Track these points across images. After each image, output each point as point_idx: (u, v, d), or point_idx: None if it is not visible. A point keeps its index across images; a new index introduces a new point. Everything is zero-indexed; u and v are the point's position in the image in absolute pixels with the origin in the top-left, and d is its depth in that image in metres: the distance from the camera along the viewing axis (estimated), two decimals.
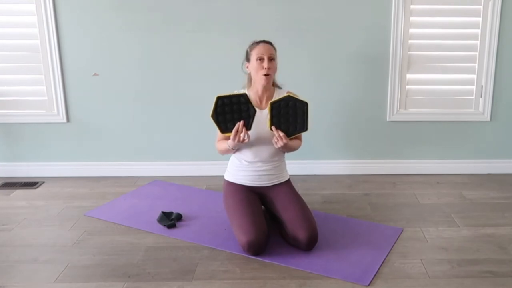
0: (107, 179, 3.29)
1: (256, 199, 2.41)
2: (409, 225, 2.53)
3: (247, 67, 2.41)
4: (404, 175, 3.31)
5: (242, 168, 2.42)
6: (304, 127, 2.28)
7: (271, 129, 2.25)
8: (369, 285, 1.98)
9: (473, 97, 3.21)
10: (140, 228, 2.52)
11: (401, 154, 3.33)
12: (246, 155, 2.39)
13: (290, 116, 2.25)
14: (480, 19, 3.07)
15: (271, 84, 2.42)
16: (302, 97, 2.29)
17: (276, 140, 2.26)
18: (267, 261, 2.16)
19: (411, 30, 3.09)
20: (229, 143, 2.29)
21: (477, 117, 3.24)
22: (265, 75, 2.31)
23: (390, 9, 3.06)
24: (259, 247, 2.18)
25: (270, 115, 2.23)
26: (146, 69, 3.18)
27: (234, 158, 2.45)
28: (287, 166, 2.54)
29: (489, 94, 3.18)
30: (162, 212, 2.62)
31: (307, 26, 3.08)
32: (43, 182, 3.25)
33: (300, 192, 2.53)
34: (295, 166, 3.13)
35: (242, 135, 2.23)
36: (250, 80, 2.43)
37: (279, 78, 2.50)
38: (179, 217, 2.61)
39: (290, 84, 2.60)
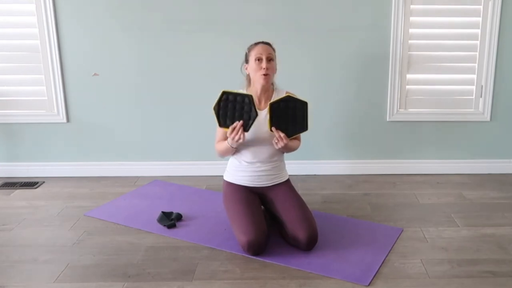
0: (107, 179, 3.29)
1: (256, 199, 2.41)
2: (409, 225, 2.53)
3: (246, 69, 2.41)
4: (404, 175, 3.31)
5: (241, 168, 2.42)
6: (304, 127, 2.28)
7: (271, 130, 2.24)
8: (369, 285, 1.98)
9: (473, 97, 3.21)
10: (140, 228, 2.52)
11: (401, 154, 3.33)
12: (245, 155, 2.39)
13: (290, 117, 2.25)
14: (480, 19, 3.07)
15: (270, 84, 2.41)
16: (301, 97, 2.28)
17: (276, 141, 2.25)
18: (267, 261, 2.16)
19: (411, 30, 3.09)
20: (229, 140, 2.29)
21: (477, 117, 3.24)
22: (264, 75, 2.31)
23: (390, 9, 3.06)
24: (259, 247, 2.18)
25: (270, 116, 2.23)
26: (146, 69, 3.18)
27: (233, 158, 2.44)
28: (287, 166, 2.54)
29: (489, 94, 3.18)
30: (162, 212, 2.62)
31: (307, 26, 3.08)
32: (43, 182, 3.25)
33: (300, 192, 2.53)
34: (295, 166, 3.13)
35: (238, 135, 2.22)
36: (249, 81, 2.43)
37: (278, 78, 2.49)
38: (179, 217, 2.61)
39: (290, 84, 2.60)
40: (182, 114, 3.26)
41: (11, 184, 3.19)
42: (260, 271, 2.09)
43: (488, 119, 3.24)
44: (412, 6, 3.05)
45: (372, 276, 2.03)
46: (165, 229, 2.49)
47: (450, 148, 3.31)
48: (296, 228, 2.21)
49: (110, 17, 3.08)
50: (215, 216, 2.64)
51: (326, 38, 3.11)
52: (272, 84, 2.45)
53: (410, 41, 3.11)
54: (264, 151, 2.37)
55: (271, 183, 2.43)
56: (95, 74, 3.19)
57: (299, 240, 2.21)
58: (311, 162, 3.32)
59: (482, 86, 3.18)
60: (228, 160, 2.51)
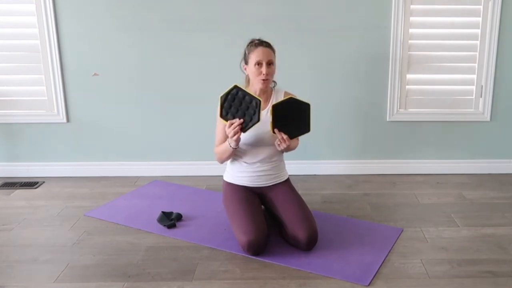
0: (107, 179, 3.29)
1: (256, 199, 2.41)
2: (409, 225, 2.53)
3: (245, 69, 2.40)
4: (404, 175, 3.31)
5: (241, 169, 2.41)
6: (307, 129, 2.27)
7: (273, 132, 2.22)
8: (369, 285, 1.98)
9: (473, 97, 3.21)
10: (140, 228, 2.52)
11: (401, 154, 3.33)
12: (245, 156, 2.39)
13: (293, 118, 2.24)
14: (480, 19, 3.07)
15: (269, 86, 2.41)
16: (302, 98, 2.28)
17: (279, 143, 2.25)
18: (267, 261, 2.16)
19: (411, 30, 3.09)
20: (229, 140, 2.27)
21: (477, 117, 3.24)
22: (263, 80, 2.30)
23: (390, 9, 3.06)
24: (259, 247, 2.18)
25: (273, 118, 2.22)
26: (146, 69, 3.18)
27: (233, 159, 2.44)
28: (287, 166, 2.54)
29: (489, 94, 3.18)
30: (162, 212, 2.62)
31: (307, 26, 3.08)
32: (43, 182, 3.25)
33: (300, 192, 2.52)
34: (295, 166, 3.13)
35: (233, 131, 2.18)
36: (248, 80, 2.43)
37: (278, 78, 2.49)
38: (179, 217, 2.61)
39: (290, 84, 2.60)
40: (182, 114, 3.26)
41: (11, 184, 3.19)
42: (260, 271, 2.09)
43: (488, 119, 3.24)
44: (412, 6, 3.05)
45: (372, 276, 2.03)
46: (165, 229, 2.49)
47: (450, 148, 3.31)
48: (296, 228, 2.21)
49: (110, 17, 3.08)
50: (215, 216, 2.64)
51: (326, 38, 3.11)
52: (273, 81, 2.44)
53: (410, 41, 3.11)
54: (264, 152, 2.37)
55: (271, 183, 2.43)
56: (95, 74, 3.19)
57: (299, 240, 2.21)
58: (311, 162, 3.32)
59: (482, 86, 3.18)
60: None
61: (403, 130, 3.28)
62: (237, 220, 2.25)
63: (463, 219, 2.60)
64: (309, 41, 3.12)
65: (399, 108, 3.23)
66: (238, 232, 2.22)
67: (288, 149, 2.31)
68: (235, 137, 2.20)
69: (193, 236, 2.42)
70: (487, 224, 2.54)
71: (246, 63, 2.37)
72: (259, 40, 2.36)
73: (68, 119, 3.26)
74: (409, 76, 3.18)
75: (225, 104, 2.22)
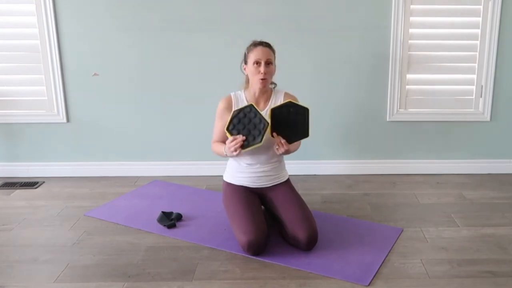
0: (107, 179, 3.29)
1: (256, 199, 2.41)
2: (409, 225, 2.53)
3: (245, 69, 2.40)
4: (404, 175, 3.31)
5: (241, 170, 2.42)
6: (305, 134, 2.27)
7: (272, 136, 2.24)
8: (369, 285, 1.98)
9: (473, 97, 3.21)
10: (140, 228, 2.52)
11: (401, 154, 3.33)
12: (244, 157, 2.39)
13: (291, 122, 2.25)
14: (480, 19, 3.07)
15: (268, 86, 2.41)
16: (302, 103, 2.28)
17: (277, 147, 2.25)
18: (267, 261, 2.16)
19: (411, 30, 3.09)
20: (226, 149, 2.27)
21: (477, 117, 3.24)
22: (262, 79, 2.30)
23: (390, 9, 3.06)
24: (259, 247, 2.18)
25: (272, 122, 2.23)
26: (146, 69, 3.18)
27: (233, 160, 2.44)
28: (287, 166, 2.54)
29: (489, 94, 3.18)
30: (162, 212, 2.62)
31: (307, 26, 3.08)
32: (43, 182, 3.25)
33: (300, 192, 2.53)
34: (295, 166, 3.13)
35: (234, 147, 2.18)
36: (247, 81, 2.43)
37: (278, 78, 2.49)
38: (179, 217, 2.61)
39: (290, 84, 2.60)
40: (182, 114, 3.26)
41: (11, 184, 3.19)
42: (260, 271, 2.09)
43: (488, 119, 3.24)
44: (412, 6, 3.05)
45: (372, 276, 2.03)
46: (165, 229, 2.49)
47: (450, 148, 3.31)
48: (296, 228, 2.21)
49: (110, 17, 3.08)
50: (215, 216, 2.64)
51: (326, 38, 3.11)
52: (272, 83, 2.45)
53: (410, 41, 3.11)
54: (263, 153, 2.37)
55: (271, 183, 2.43)
56: (95, 74, 3.19)
57: (299, 240, 2.21)
58: (311, 162, 3.32)
59: (482, 86, 3.18)
60: (227, 160, 2.51)
61: (403, 130, 3.28)
62: (237, 220, 2.26)
63: (463, 219, 2.60)
64: (309, 41, 3.12)
65: (399, 108, 3.23)
66: (238, 232, 2.22)
67: (287, 152, 2.30)
68: (234, 153, 2.21)
69: (193, 236, 2.42)
70: (487, 224, 2.54)
71: (246, 63, 2.38)
72: (259, 41, 2.37)
73: (68, 119, 3.26)
74: (409, 76, 3.18)
75: (234, 119, 2.22)
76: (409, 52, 3.13)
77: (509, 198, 2.90)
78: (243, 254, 2.21)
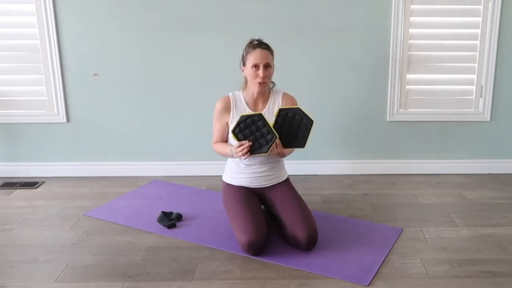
0: (107, 179, 3.29)
1: (256, 199, 2.41)
2: (409, 225, 2.53)
3: (243, 71, 2.39)
4: (404, 175, 3.31)
5: (239, 170, 2.42)
6: (301, 145, 2.26)
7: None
8: (369, 285, 1.98)
9: (473, 97, 3.21)
10: (140, 228, 2.52)
11: (401, 154, 3.33)
12: None
13: (293, 129, 2.24)
14: (480, 19, 3.07)
15: (266, 88, 2.40)
16: (310, 113, 2.25)
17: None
18: (267, 261, 2.16)
19: (411, 30, 3.09)
20: (232, 149, 2.27)
21: (477, 117, 3.24)
22: (260, 83, 2.30)
23: (390, 9, 3.06)
24: (259, 247, 2.18)
25: (276, 120, 2.23)
26: (146, 69, 3.18)
27: (232, 161, 2.44)
28: (287, 166, 2.54)
29: (489, 94, 3.18)
30: (162, 212, 2.62)
31: (307, 26, 3.08)
32: (43, 182, 3.25)
33: (300, 192, 2.53)
34: (295, 166, 3.13)
35: (241, 152, 2.19)
36: (246, 82, 2.42)
37: (278, 78, 2.49)
38: (179, 217, 2.61)
39: (290, 84, 2.60)
40: (182, 114, 3.26)
41: (11, 184, 3.19)
42: (260, 271, 2.09)
43: (488, 119, 3.24)
44: (412, 6, 3.05)
45: (372, 276, 2.03)
46: (165, 229, 2.49)
47: (450, 148, 3.31)
48: (296, 228, 2.21)
49: (110, 17, 3.08)
50: (215, 216, 2.64)
51: (326, 38, 3.11)
52: (271, 82, 2.44)
53: (410, 41, 3.11)
54: None
55: (270, 183, 2.43)
56: (95, 74, 3.19)
57: (299, 240, 2.21)
58: (311, 162, 3.32)
59: (482, 86, 3.18)
60: (226, 160, 2.51)
61: (403, 130, 3.28)
62: (237, 220, 2.25)
63: (463, 219, 2.60)
64: (309, 41, 3.12)
65: (399, 108, 3.23)
66: (238, 232, 2.22)
67: (280, 154, 2.30)
68: (243, 157, 2.21)
69: (193, 236, 2.42)
70: (487, 224, 2.54)
71: (244, 64, 2.36)
72: (257, 41, 2.35)
73: (68, 119, 3.26)
74: (409, 76, 3.18)
75: (242, 124, 2.22)
76: (409, 52, 3.13)
77: (509, 198, 2.90)
78: (243, 254, 2.21)
